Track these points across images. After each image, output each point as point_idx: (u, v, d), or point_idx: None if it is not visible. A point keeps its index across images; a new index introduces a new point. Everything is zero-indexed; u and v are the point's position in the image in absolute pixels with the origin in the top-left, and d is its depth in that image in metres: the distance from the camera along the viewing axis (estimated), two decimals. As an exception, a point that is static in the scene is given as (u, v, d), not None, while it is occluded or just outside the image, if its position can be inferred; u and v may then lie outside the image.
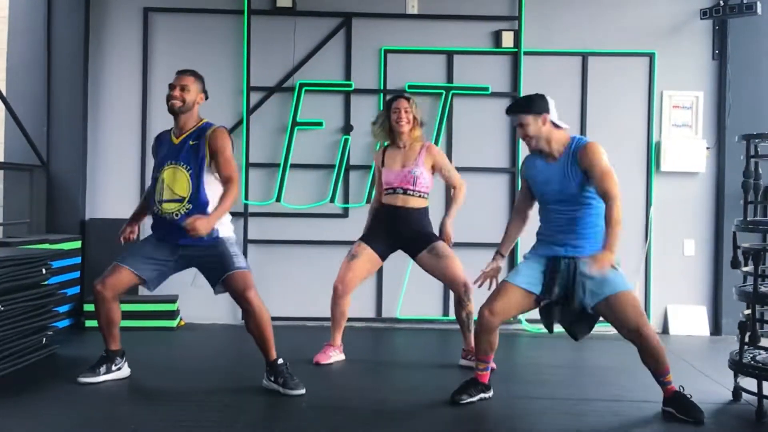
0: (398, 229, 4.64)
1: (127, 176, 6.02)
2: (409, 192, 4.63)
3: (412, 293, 5.95)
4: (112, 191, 6.02)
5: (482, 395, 3.87)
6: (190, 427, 3.43)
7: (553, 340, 5.61)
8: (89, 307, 5.59)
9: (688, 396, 3.69)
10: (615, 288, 3.59)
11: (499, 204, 6.04)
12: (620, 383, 4.34)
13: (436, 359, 4.97)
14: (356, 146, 6.00)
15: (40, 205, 5.86)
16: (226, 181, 3.96)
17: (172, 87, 4.02)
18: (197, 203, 3.94)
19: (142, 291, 5.90)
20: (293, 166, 5.97)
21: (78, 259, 5.74)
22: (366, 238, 4.70)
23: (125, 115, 6.03)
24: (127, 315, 5.53)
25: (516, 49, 6.01)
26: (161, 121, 5.98)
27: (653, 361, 3.66)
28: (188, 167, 3.96)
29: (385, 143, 4.80)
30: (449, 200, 4.89)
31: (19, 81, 5.95)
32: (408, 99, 4.70)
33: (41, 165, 5.87)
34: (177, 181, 3.96)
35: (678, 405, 3.66)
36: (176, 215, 3.95)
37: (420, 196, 4.65)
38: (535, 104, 3.72)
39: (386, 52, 6.02)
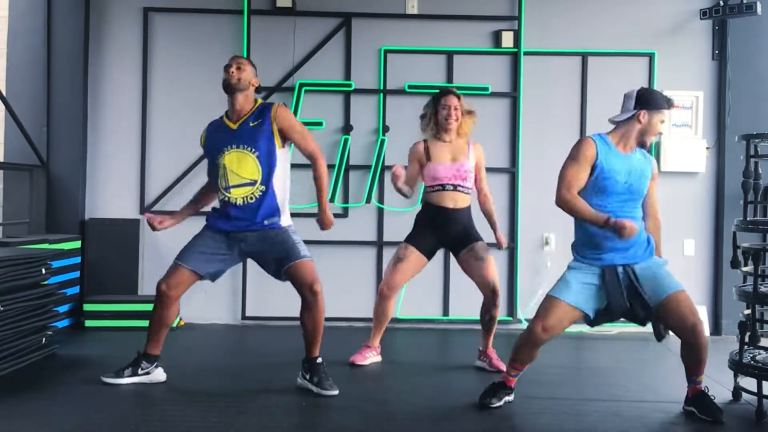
0: (446, 231, 4.54)
1: (127, 176, 6.02)
2: (459, 189, 4.50)
3: (412, 293, 5.94)
4: (112, 191, 6.02)
5: (506, 399, 3.84)
6: (190, 427, 3.43)
7: (553, 340, 5.59)
8: (89, 307, 5.60)
9: (712, 397, 3.68)
10: (670, 288, 3.58)
11: (500, 204, 6.02)
12: (620, 383, 4.34)
13: (436, 359, 4.97)
14: (356, 146, 6.00)
15: (40, 205, 5.86)
16: (311, 157, 4.05)
17: (228, 66, 3.98)
18: (269, 185, 3.93)
19: (142, 291, 5.90)
20: (293, 165, 5.84)
21: (78, 259, 5.74)
22: (412, 240, 4.58)
23: (125, 115, 6.03)
24: (127, 315, 5.58)
25: (516, 49, 6.01)
26: (161, 120, 6.00)
27: (696, 361, 3.65)
28: (253, 149, 3.92)
29: (426, 139, 4.63)
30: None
31: (19, 81, 5.95)
32: (458, 96, 4.58)
33: (41, 165, 5.87)
34: (243, 164, 3.91)
35: (701, 405, 3.65)
36: (251, 199, 3.93)
37: (468, 194, 4.56)
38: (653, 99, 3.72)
39: (386, 52, 6.02)
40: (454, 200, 4.52)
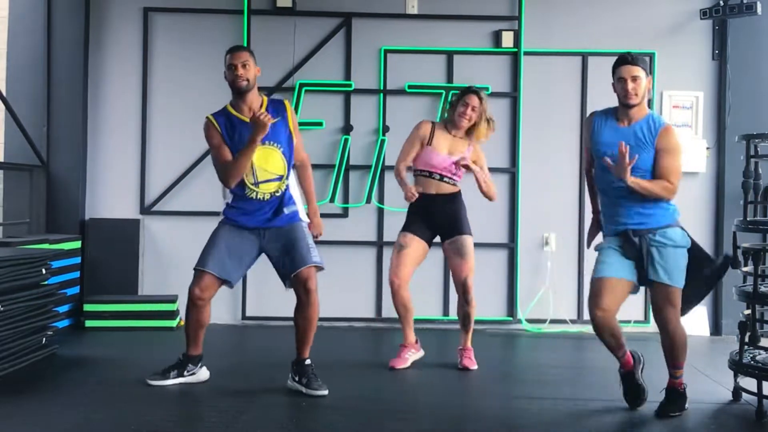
0: (434, 215, 4.60)
1: (127, 176, 6.01)
2: (446, 180, 4.59)
3: (412, 293, 5.92)
4: (112, 191, 6.02)
5: (642, 371, 3.82)
6: (189, 427, 3.43)
7: (553, 340, 5.62)
8: (89, 307, 5.60)
9: (685, 397, 3.71)
10: (676, 282, 3.62)
11: (499, 204, 6.02)
12: (620, 383, 4.33)
13: (436, 359, 4.96)
14: (356, 146, 6.00)
15: (40, 205, 5.86)
16: (304, 162, 4.15)
17: (233, 67, 3.91)
18: (290, 180, 4.03)
19: (142, 291, 5.91)
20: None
21: (78, 259, 5.74)
22: (409, 228, 4.65)
23: (125, 115, 6.03)
24: (127, 315, 5.59)
25: (516, 49, 6.01)
26: (161, 120, 6.00)
27: (668, 353, 3.70)
28: (279, 145, 3.96)
29: (434, 123, 4.72)
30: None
31: (19, 81, 5.95)
32: (481, 99, 4.59)
33: (41, 165, 5.87)
34: (270, 160, 3.94)
35: (670, 397, 3.70)
36: (277, 194, 3.98)
37: (453, 184, 4.62)
38: (647, 65, 3.72)
39: (386, 52, 6.02)
40: (437, 188, 4.59)
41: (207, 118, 3.99)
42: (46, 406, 3.68)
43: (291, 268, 3.96)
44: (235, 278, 4.06)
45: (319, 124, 5.97)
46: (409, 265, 4.61)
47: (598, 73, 6.02)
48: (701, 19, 5.92)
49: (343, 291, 5.82)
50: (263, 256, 4.10)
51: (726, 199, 5.95)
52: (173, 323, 5.66)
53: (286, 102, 4.09)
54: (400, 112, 5.91)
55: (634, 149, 3.58)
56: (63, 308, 5.27)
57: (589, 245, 3.96)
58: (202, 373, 4.18)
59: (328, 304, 5.84)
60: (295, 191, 4.11)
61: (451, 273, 4.71)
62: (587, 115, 3.93)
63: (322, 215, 5.93)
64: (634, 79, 3.62)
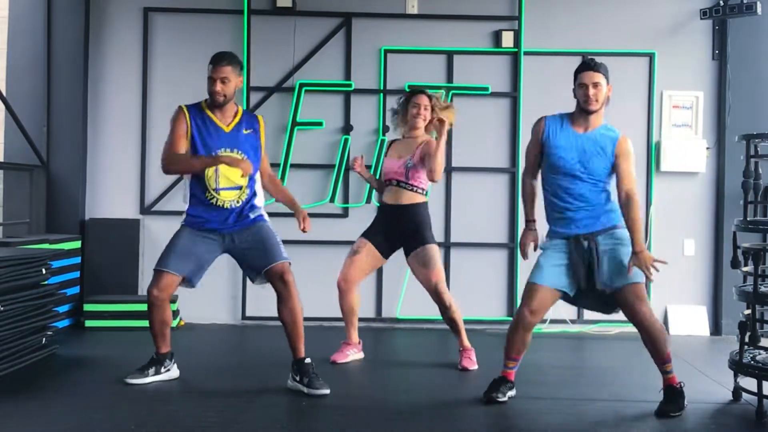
0: (395, 228, 4.59)
1: (127, 176, 6.02)
2: (402, 185, 4.56)
3: (411, 293, 5.94)
4: (112, 191, 6.02)
5: (510, 393, 3.89)
6: (189, 427, 3.43)
7: (553, 340, 5.61)
8: (89, 307, 5.60)
9: (683, 395, 3.72)
10: (636, 278, 3.68)
11: (499, 204, 6.04)
12: (620, 383, 4.34)
13: (435, 359, 4.97)
14: (356, 146, 5.99)
15: (40, 205, 5.86)
16: (272, 177, 4.29)
17: (212, 81, 3.97)
18: (252, 189, 4.06)
19: (142, 291, 5.90)
20: (293, 166, 5.97)
21: (78, 259, 5.74)
22: (367, 234, 4.68)
23: (125, 115, 6.03)
24: (126, 315, 5.59)
25: (516, 49, 6.01)
26: (161, 120, 5.98)
27: (653, 350, 3.74)
28: (246, 156, 4.00)
29: (394, 139, 4.80)
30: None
31: (19, 81, 5.95)
32: (429, 96, 4.59)
33: (41, 165, 5.87)
34: (234, 169, 3.95)
35: (668, 396, 3.71)
36: (236, 203, 4.00)
37: (414, 191, 4.55)
38: (608, 72, 3.80)
39: (386, 52, 6.02)
40: (395, 197, 4.59)
41: (180, 107, 4.07)
42: (46, 406, 3.68)
43: (265, 263, 4.00)
44: (195, 277, 4.09)
45: (319, 124, 5.97)
46: (358, 271, 4.64)
47: (598, 73, 6.02)
48: (701, 19, 5.92)
49: (343, 291, 5.80)
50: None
51: (726, 199, 5.95)
52: (173, 323, 5.64)
53: (260, 117, 4.16)
54: (400, 112, 5.90)
55: (592, 155, 3.71)
56: (63, 308, 5.27)
57: (525, 256, 3.97)
58: (175, 370, 4.21)
59: (328, 305, 5.86)
60: (260, 200, 4.15)
61: (422, 284, 4.63)
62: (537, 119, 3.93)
63: (323, 215, 6.00)
64: (595, 85, 3.72)
